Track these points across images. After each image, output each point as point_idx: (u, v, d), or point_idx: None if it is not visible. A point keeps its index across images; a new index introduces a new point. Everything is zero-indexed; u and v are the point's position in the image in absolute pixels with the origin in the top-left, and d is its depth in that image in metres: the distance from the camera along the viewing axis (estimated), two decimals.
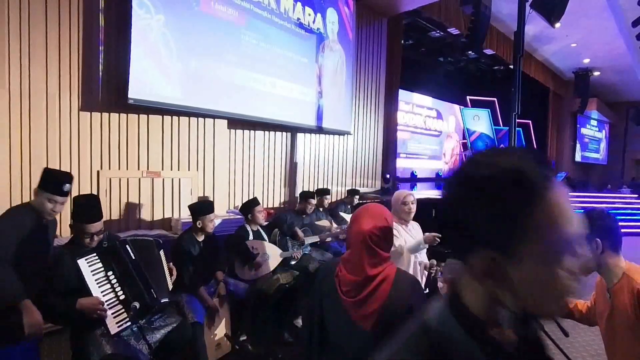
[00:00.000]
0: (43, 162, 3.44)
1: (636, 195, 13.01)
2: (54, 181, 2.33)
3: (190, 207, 3.42)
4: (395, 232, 2.75)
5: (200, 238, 3.37)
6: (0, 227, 2.19)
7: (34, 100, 3.40)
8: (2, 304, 2.03)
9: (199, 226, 3.32)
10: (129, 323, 2.28)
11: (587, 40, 10.96)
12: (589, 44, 11.27)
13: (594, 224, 1.66)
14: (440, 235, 2.81)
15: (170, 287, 2.73)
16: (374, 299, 1.38)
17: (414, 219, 3.01)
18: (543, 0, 6.48)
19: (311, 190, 5.77)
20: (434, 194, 8.99)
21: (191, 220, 3.39)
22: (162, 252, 2.74)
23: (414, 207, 2.88)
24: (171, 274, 2.78)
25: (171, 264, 2.85)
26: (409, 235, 2.89)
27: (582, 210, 1.74)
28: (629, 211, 11.96)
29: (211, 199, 4.59)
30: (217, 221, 3.74)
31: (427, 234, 2.80)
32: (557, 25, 6.97)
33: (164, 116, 4.23)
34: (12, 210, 2.35)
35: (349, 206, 5.53)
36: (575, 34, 10.60)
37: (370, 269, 1.40)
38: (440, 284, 4.28)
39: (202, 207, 3.38)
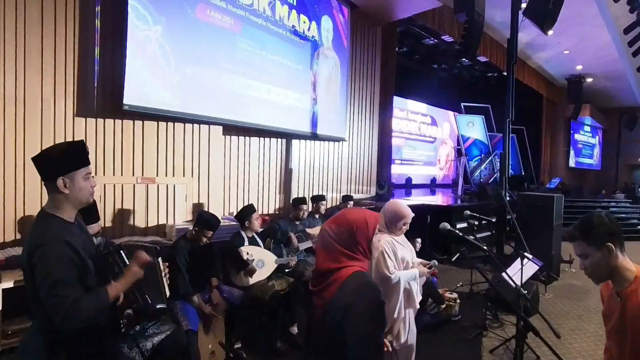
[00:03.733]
0: None
1: (630, 200, 13.12)
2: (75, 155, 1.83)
3: (202, 215, 3.38)
4: (392, 247, 2.63)
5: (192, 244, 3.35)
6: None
7: (28, 106, 3.39)
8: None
9: (194, 234, 3.32)
10: (122, 330, 2.26)
11: (579, 47, 11.09)
12: (581, 50, 11.40)
13: (598, 229, 1.58)
14: (430, 265, 2.83)
15: (168, 293, 2.70)
16: (324, 294, 1.48)
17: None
18: (535, 8, 6.56)
19: (305, 196, 5.78)
20: (429, 200, 9.02)
21: (186, 226, 3.37)
22: (160, 260, 2.72)
23: None
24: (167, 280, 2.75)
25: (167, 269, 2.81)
26: (403, 247, 2.76)
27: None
28: (623, 215, 12.07)
29: (206, 206, 4.58)
30: None
31: (421, 267, 2.75)
32: (550, 32, 7.07)
33: (159, 122, 4.22)
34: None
35: None
36: (568, 41, 10.72)
37: (326, 262, 1.50)
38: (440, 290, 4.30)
39: (211, 224, 3.36)
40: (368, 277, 1.50)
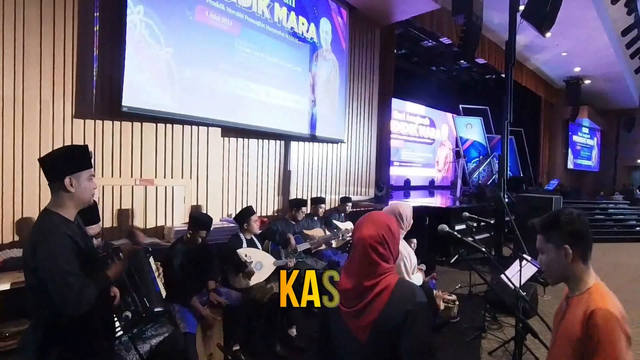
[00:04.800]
0: (36, 169, 3.41)
1: (628, 202, 13.13)
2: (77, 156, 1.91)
3: (194, 216, 3.40)
4: (407, 251, 2.74)
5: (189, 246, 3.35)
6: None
7: (27, 107, 3.38)
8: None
9: (190, 237, 3.32)
10: (120, 332, 2.26)
11: (577, 49, 11.12)
12: (579, 53, 11.43)
13: (562, 227, 1.44)
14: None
15: (164, 294, 2.70)
16: (371, 310, 1.34)
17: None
18: (533, 10, 6.58)
19: (304, 198, 5.78)
20: (427, 201, 9.03)
21: (184, 228, 3.36)
22: (152, 260, 2.72)
23: None
24: (162, 280, 2.75)
25: (162, 272, 2.82)
26: (410, 250, 2.87)
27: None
28: (622, 217, 12.08)
29: (204, 207, 4.58)
30: None
31: (421, 273, 2.88)
32: (548, 34, 7.09)
33: (158, 124, 4.22)
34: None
35: (342, 214, 5.53)
36: (566, 43, 10.75)
37: (366, 280, 1.35)
38: (435, 292, 4.30)
39: (203, 223, 3.36)
40: (409, 281, 1.44)
